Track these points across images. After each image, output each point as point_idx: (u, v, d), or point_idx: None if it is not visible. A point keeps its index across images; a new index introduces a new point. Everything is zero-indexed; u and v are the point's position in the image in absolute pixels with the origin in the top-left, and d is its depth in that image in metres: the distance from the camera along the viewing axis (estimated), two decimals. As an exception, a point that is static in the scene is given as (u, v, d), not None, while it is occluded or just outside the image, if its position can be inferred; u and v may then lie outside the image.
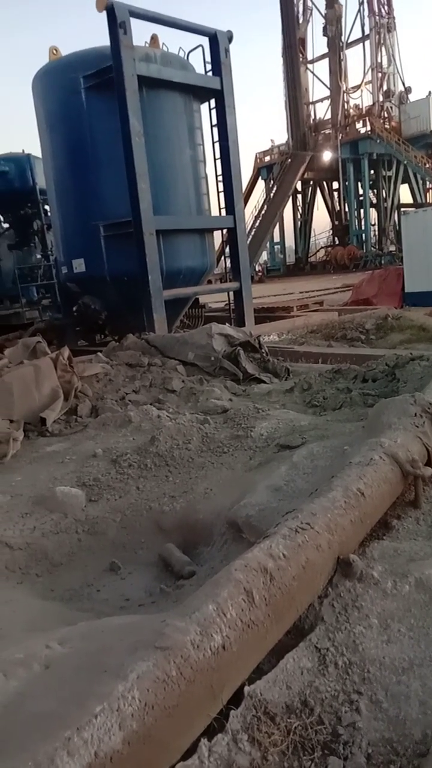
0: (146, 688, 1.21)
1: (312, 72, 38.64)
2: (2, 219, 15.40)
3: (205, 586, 1.60)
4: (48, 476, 3.40)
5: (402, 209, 33.09)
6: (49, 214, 12.16)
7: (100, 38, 8.20)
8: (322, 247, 41.65)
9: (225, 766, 1.27)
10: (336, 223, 38.94)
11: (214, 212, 9.99)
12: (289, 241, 40.92)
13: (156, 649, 1.30)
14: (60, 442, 4.15)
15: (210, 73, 9.32)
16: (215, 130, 9.61)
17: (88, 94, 8.48)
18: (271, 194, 36.69)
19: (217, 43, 9.15)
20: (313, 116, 39.32)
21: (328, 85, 37.78)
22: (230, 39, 9.33)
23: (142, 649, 1.31)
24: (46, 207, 13.13)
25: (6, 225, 15.28)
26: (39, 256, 14.76)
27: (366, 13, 35.68)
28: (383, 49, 35.79)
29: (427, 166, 33.70)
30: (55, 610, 2.21)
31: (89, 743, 1.08)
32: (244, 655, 1.45)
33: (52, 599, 2.39)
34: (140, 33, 8.22)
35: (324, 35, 36.95)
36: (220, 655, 1.36)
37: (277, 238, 39.60)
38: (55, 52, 9.09)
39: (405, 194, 37.31)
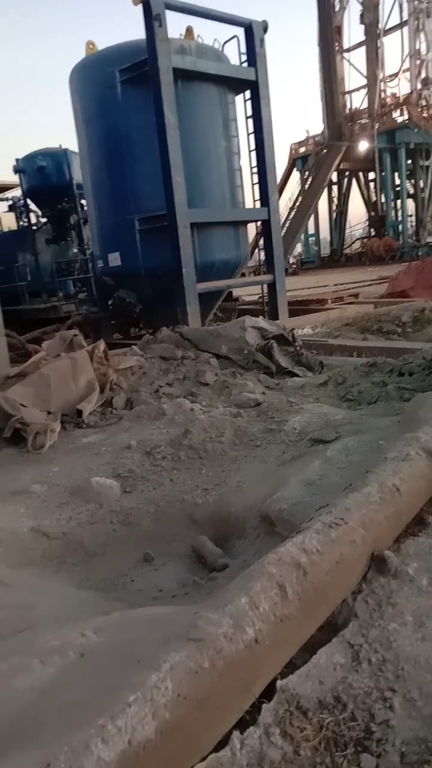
0: (179, 679, 1.22)
1: (348, 61, 37.98)
2: (40, 213, 15.65)
3: (237, 579, 1.60)
4: (84, 467, 3.45)
5: (441, 199, 32.39)
6: (85, 208, 12.31)
7: (136, 32, 8.23)
8: (357, 239, 41.00)
9: (257, 759, 1.27)
10: (372, 214, 38.25)
11: (248, 204, 9.94)
12: (324, 232, 40.40)
13: (189, 641, 1.31)
14: (95, 434, 4.20)
15: (245, 64, 9.26)
16: (250, 121, 9.55)
17: (124, 88, 8.52)
18: (306, 185, 36.27)
19: (252, 34, 9.08)
20: (349, 106, 38.66)
21: (365, 74, 37.07)
22: (265, 29, 9.24)
23: (175, 641, 1.32)
24: (83, 201, 13.30)
25: (44, 219, 15.51)
26: (76, 251, 14.96)
27: (405, -2, 34.84)
28: (422, 35, 34.88)
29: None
30: (90, 599, 2.24)
31: (123, 731, 1.09)
32: (276, 649, 1.45)
33: (88, 588, 2.42)
34: (175, 25, 8.21)
35: (361, 23, 36.21)
36: (252, 649, 1.37)
37: (311, 229, 39.12)
38: (91, 46, 9.16)
39: (443, 184, 36.43)
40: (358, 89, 38.30)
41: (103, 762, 1.04)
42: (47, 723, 1.16)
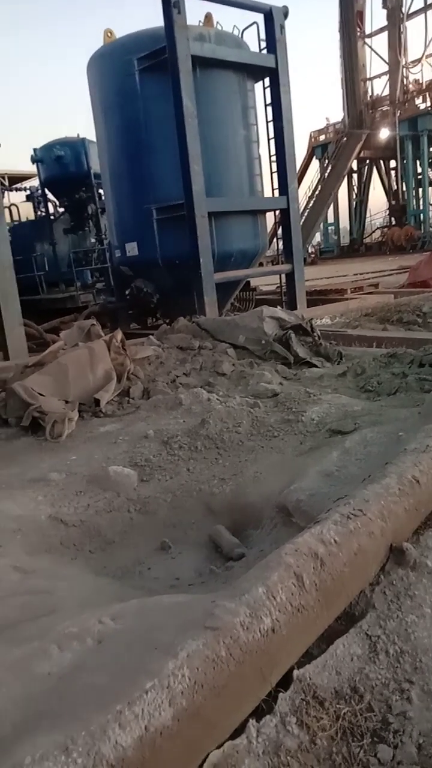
0: (196, 667, 1.22)
1: (370, 47, 37.34)
2: (58, 203, 15.69)
3: (254, 569, 1.60)
4: (101, 456, 3.47)
5: (463, 188, 31.81)
6: (103, 197, 12.31)
7: (154, 20, 8.17)
8: (377, 228, 40.51)
9: (273, 748, 1.28)
10: (393, 202, 37.75)
11: (267, 193, 9.86)
12: (344, 221, 39.98)
13: (206, 629, 1.31)
14: (113, 423, 4.22)
15: (264, 51, 9.15)
16: (269, 109, 9.45)
17: (142, 76, 8.48)
18: (326, 174, 35.89)
19: (272, 20, 8.96)
20: (370, 93, 38.07)
21: (387, 60, 36.43)
22: (286, 15, 9.12)
23: (192, 629, 1.32)
24: (101, 191, 13.30)
25: (61, 209, 15.55)
26: (93, 240, 14.97)
27: (429, -19, 34.05)
28: (446, 19, 34.13)
29: None
30: (108, 586, 2.26)
31: (140, 717, 1.10)
32: (293, 639, 1.45)
33: (105, 576, 2.44)
34: (194, 12, 8.13)
35: (383, 7, 35.51)
36: (269, 638, 1.37)
37: (331, 218, 38.76)
38: (109, 34, 9.12)
39: (466, 172, 35.76)
40: (379, 75, 37.70)
41: (120, 747, 1.05)
42: (65, 708, 1.17)
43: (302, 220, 25.35)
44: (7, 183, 18.18)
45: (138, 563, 2.57)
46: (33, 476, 3.25)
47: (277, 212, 9.98)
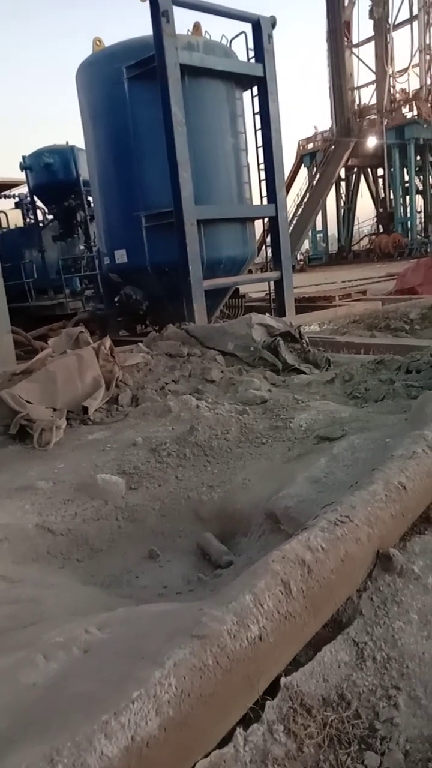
0: (183, 676, 1.22)
1: (357, 56, 37.77)
2: (47, 210, 15.66)
3: (242, 577, 1.60)
4: (89, 464, 3.46)
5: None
6: (92, 205, 12.31)
7: (143, 28, 8.22)
8: (365, 236, 40.83)
9: (260, 756, 1.27)
10: (380, 210, 38.08)
11: (256, 201, 9.91)
12: (332, 229, 40.22)
13: (193, 638, 1.31)
14: (101, 431, 4.21)
15: (252, 60, 9.22)
16: (257, 117, 9.51)
17: (131, 84, 8.50)
18: (314, 182, 36.15)
19: (260, 29, 9.03)
20: (357, 102, 38.47)
21: (374, 70, 36.85)
22: (274, 25, 9.19)
23: (179, 637, 1.32)
24: (90, 198, 13.29)
25: (50, 217, 15.52)
26: (82, 247, 14.95)
27: (415, -8, 34.53)
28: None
29: None
30: (96, 595, 2.25)
31: (126, 727, 1.10)
32: (280, 647, 1.45)
33: (93, 584, 2.43)
34: (183, 21, 8.19)
35: (370, 18, 35.98)
36: (256, 646, 1.36)
37: (319, 226, 38.98)
38: (98, 43, 9.15)
39: (453, 180, 36.16)
40: (366, 85, 38.16)
41: (106, 758, 1.04)
42: (51, 718, 1.16)
43: (291, 228, 25.51)
44: (-5, 190, 18.09)
45: (126, 571, 2.56)
46: (20, 484, 3.23)
47: (266, 220, 10.03)
